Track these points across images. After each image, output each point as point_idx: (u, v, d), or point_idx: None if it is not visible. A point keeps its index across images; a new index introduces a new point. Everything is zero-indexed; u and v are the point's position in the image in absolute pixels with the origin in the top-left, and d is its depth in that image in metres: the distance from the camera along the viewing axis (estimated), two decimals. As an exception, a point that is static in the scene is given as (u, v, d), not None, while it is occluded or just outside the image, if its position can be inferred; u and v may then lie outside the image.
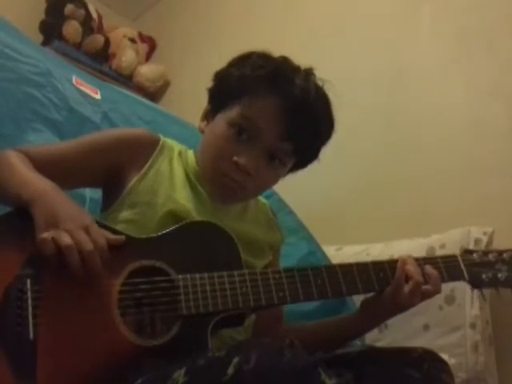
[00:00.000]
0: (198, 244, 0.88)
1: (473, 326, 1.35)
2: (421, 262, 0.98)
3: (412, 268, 0.95)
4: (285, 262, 1.22)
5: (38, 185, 0.84)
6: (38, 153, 0.95)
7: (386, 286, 0.95)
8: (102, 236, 0.79)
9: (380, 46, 2.05)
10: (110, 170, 0.98)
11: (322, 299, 0.95)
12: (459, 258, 1.01)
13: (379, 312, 1.00)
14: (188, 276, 0.83)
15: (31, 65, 1.35)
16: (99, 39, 2.88)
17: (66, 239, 0.75)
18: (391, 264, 0.96)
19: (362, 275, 0.93)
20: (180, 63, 2.99)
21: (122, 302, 0.80)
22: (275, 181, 1.04)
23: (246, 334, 1.00)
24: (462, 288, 1.34)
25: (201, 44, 2.84)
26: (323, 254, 1.61)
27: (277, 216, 1.18)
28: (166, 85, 3.04)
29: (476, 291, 1.06)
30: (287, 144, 0.96)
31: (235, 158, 0.94)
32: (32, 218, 0.79)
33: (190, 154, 1.06)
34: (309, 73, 0.98)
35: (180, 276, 0.83)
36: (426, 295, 0.95)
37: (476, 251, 1.03)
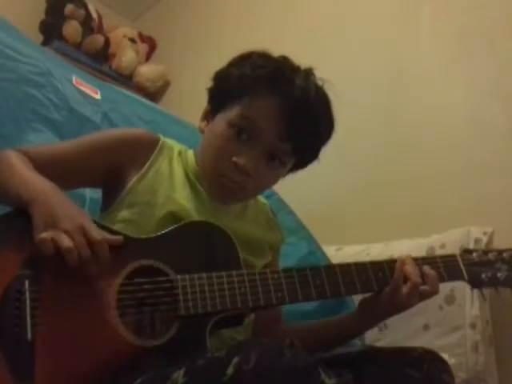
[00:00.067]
0: (197, 244, 0.88)
1: (473, 326, 1.35)
2: (420, 262, 0.97)
3: (410, 269, 0.95)
4: (285, 262, 1.21)
5: (38, 185, 0.84)
6: (37, 153, 0.95)
7: (385, 286, 0.95)
8: (101, 237, 0.79)
9: (380, 46, 2.05)
10: (109, 169, 0.98)
11: (320, 299, 0.95)
12: (458, 258, 1.00)
13: (377, 312, 1.00)
14: (187, 276, 0.83)
15: (31, 65, 1.35)
16: (99, 39, 2.88)
17: (66, 241, 0.75)
18: (390, 264, 0.96)
19: (360, 275, 0.93)
20: (180, 63, 2.99)
21: (121, 302, 0.80)
22: (275, 181, 1.04)
23: (246, 334, 1.00)
24: (461, 288, 1.34)
25: (201, 44, 2.84)
26: (323, 254, 1.61)
27: (277, 216, 1.18)
28: (166, 85, 3.04)
29: (476, 291, 1.05)
30: (287, 144, 0.96)
31: (235, 159, 0.94)
32: (31, 219, 0.79)
33: (190, 153, 1.06)
34: (309, 73, 0.98)
35: (179, 276, 0.83)
36: (424, 296, 0.95)
37: (475, 250, 1.03)
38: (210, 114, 1.02)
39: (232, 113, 0.96)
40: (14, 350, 0.72)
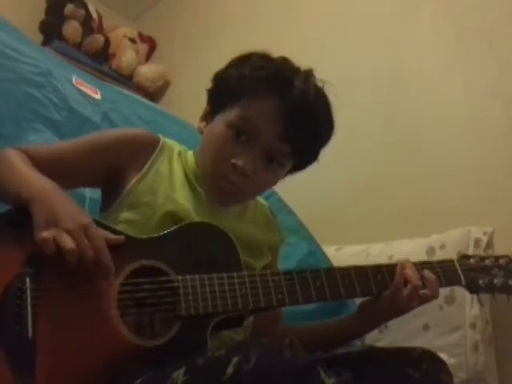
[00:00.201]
0: (198, 245, 0.88)
1: (473, 326, 1.35)
2: (418, 266, 0.98)
3: (410, 272, 0.95)
4: (285, 262, 1.22)
5: (38, 183, 0.84)
6: (37, 152, 0.95)
7: (384, 290, 0.95)
8: (102, 237, 0.79)
9: (380, 46, 2.05)
10: (109, 169, 0.98)
11: (320, 301, 0.95)
12: (456, 263, 1.01)
13: (377, 315, 1.00)
14: (188, 277, 0.83)
15: (31, 65, 1.35)
16: (99, 39, 2.88)
17: (68, 242, 0.75)
18: (389, 268, 0.96)
19: (360, 278, 0.94)
20: (180, 63, 2.99)
21: (122, 301, 0.80)
22: (274, 182, 1.04)
23: (245, 335, 1.00)
24: (461, 288, 1.34)
25: (201, 44, 2.84)
26: (323, 254, 1.61)
27: (276, 217, 1.18)
28: (165, 85, 3.03)
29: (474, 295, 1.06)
30: (286, 145, 0.95)
31: (233, 160, 0.94)
32: (32, 217, 0.79)
33: (190, 154, 1.06)
34: (308, 74, 0.98)
35: (180, 277, 0.83)
36: (424, 299, 0.96)
37: (473, 256, 1.04)
38: (209, 115, 1.02)
39: (231, 114, 0.96)
40: (15, 347, 0.72)
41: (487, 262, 1.02)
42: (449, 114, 1.81)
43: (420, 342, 1.35)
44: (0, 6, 2.35)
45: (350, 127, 1.62)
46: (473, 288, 1.01)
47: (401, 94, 1.96)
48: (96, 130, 1.33)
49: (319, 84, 0.99)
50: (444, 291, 1.33)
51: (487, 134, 1.69)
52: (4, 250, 0.78)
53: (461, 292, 1.36)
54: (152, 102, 2.46)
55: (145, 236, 0.88)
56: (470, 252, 1.34)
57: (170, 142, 1.06)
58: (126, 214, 0.94)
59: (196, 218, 0.94)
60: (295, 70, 0.97)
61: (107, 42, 2.92)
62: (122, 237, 0.83)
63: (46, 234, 0.76)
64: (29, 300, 0.74)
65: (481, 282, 1.00)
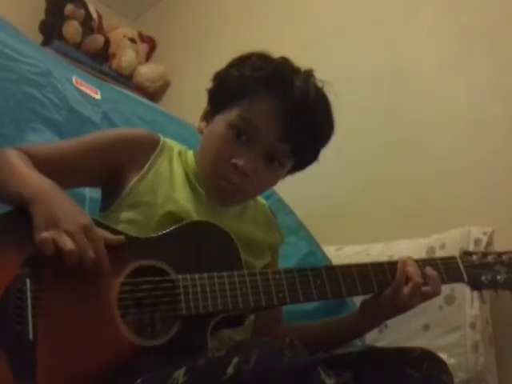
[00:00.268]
0: (198, 244, 0.88)
1: (473, 326, 1.35)
2: (420, 263, 0.98)
3: (412, 269, 0.95)
4: (285, 262, 1.21)
5: (38, 183, 0.84)
6: (37, 151, 0.95)
7: (386, 288, 0.95)
8: (101, 236, 0.79)
9: (380, 46, 2.05)
10: (109, 169, 0.98)
11: (321, 300, 0.95)
12: (458, 260, 1.01)
13: (378, 313, 1.00)
14: (188, 276, 0.83)
15: (31, 65, 1.35)
16: (99, 39, 2.88)
17: (68, 243, 0.75)
18: (391, 265, 0.96)
19: (361, 276, 0.93)
20: (180, 63, 2.99)
21: (122, 301, 0.80)
22: (274, 182, 1.04)
23: (246, 335, 1.00)
24: (461, 288, 1.34)
25: (201, 44, 2.84)
26: (323, 254, 1.61)
27: (276, 216, 1.18)
28: (165, 85, 3.03)
29: (475, 292, 1.06)
30: (286, 145, 0.96)
31: (234, 160, 0.94)
32: (32, 217, 0.79)
33: (190, 154, 1.06)
34: (309, 74, 0.98)
35: (180, 276, 0.83)
36: (426, 297, 0.95)
37: (475, 253, 1.03)
38: (209, 115, 1.02)
39: (231, 114, 0.96)
40: (16, 349, 0.72)
41: (490, 258, 1.01)
42: (449, 114, 1.81)
43: (420, 341, 1.35)
44: (0, 5, 2.35)
45: (350, 127, 1.62)
46: (475, 285, 1.01)
47: (401, 94, 1.96)
48: (96, 130, 1.33)
49: (319, 84, 0.99)
50: (444, 291, 1.32)
51: (487, 134, 1.69)
52: (4, 250, 0.77)
53: (461, 292, 1.36)
54: (152, 102, 2.47)
55: (145, 236, 0.88)
56: (470, 252, 1.34)
57: (170, 141, 1.06)
58: (126, 214, 0.94)
59: (196, 218, 0.94)
60: (295, 70, 0.97)
61: (107, 42, 2.92)
62: (122, 237, 0.83)
63: (45, 234, 0.75)
64: (29, 301, 0.74)
65: (483, 278, 1.00)
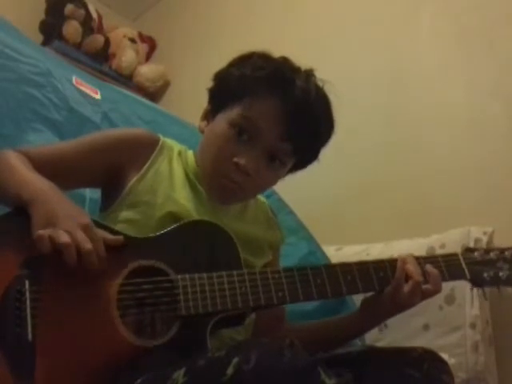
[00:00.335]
0: (198, 244, 0.88)
1: (473, 325, 1.35)
2: (421, 260, 0.97)
3: (412, 267, 0.94)
4: (285, 262, 1.21)
5: (37, 185, 0.84)
6: (37, 153, 0.95)
7: (386, 286, 0.95)
8: (100, 236, 0.79)
9: (380, 46, 2.05)
10: (109, 169, 0.98)
11: (321, 299, 0.95)
12: (460, 257, 1.00)
13: (379, 311, 1.00)
14: (187, 276, 0.83)
15: (31, 65, 1.35)
16: (99, 39, 2.88)
17: (63, 238, 0.75)
18: (391, 263, 0.96)
19: (362, 275, 0.93)
20: (180, 63, 2.99)
21: (122, 302, 0.80)
22: (275, 181, 1.04)
23: (246, 334, 1.00)
24: (462, 288, 1.34)
25: (201, 44, 2.84)
26: (323, 254, 1.61)
27: (277, 215, 1.18)
28: (165, 85, 3.04)
29: (476, 290, 1.05)
30: (287, 144, 0.96)
31: (235, 159, 0.94)
32: (31, 219, 0.79)
33: (190, 154, 1.06)
34: (309, 74, 0.98)
35: (179, 276, 0.83)
36: (427, 294, 0.95)
37: (477, 249, 1.02)
38: (210, 114, 1.02)
39: (232, 113, 0.96)
40: (15, 350, 0.72)
41: (492, 254, 1.01)
42: (449, 114, 1.81)
43: (420, 341, 1.35)
44: (0, 5, 2.35)
45: (350, 127, 1.62)
46: (477, 281, 1.00)
47: (401, 94, 1.96)
48: (96, 130, 1.33)
49: (320, 84, 0.99)
50: (444, 291, 1.32)
51: (487, 134, 1.69)
52: (3, 251, 0.77)
53: (461, 292, 1.36)
54: (152, 102, 2.47)
55: (144, 235, 0.88)
56: (471, 252, 1.34)
57: (169, 141, 1.06)
58: (125, 214, 0.94)
59: (196, 217, 0.94)
60: (296, 70, 0.97)
61: (107, 42, 2.92)
62: (120, 237, 0.83)
63: (41, 231, 0.75)
64: (28, 302, 0.74)
65: (485, 275, 0.99)
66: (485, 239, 1.42)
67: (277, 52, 0.99)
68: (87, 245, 0.76)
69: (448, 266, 0.98)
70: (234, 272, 0.86)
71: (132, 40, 3.02)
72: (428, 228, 1.58)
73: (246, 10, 2.71)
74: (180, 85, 2.97)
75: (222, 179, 0.96)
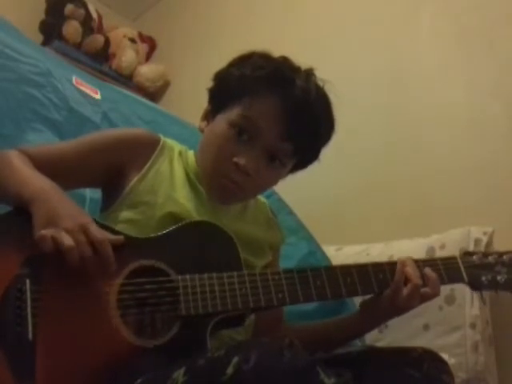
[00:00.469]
0: (198, 244, 0.88)
1: (473, 326, 1.35)
2: (420, 264, 0.97)
3: (411, 270, 0.94)
4: (285, 262, 1.21)
5: (38, 184, 0.84)
6: (37, 152, 0.95)
7: (386, 288, 0.95)
8: (105, 237, 0.79)
9: (380, 46, 2.05)
10: (109, 169, 0.98)
11: (321, 300, 0.95)
12: (459, 260, 1.00)
13: (378, 314, 1.00)
14: (187, 277, 0.83)
15: (31, 65, 1.35)
16: (99, 39, 2.88)
17: (67, 240, 0.75)
18: (390, 266, 0.96)
19: (361, 277, 0.93)
20: (180, 63, 2.99)
21: (122, 302, 0.80)
22: (275, 181, 1.04)
23: (246, 335, 1.00)
24: (462, 288, 1.34)
25: (201, 44, 2.84)
26: (323, 254, 1.61)
27: (277, 216, 1.18)
28: (165, 85, 3.04)
29: (476, 293, 1.05)
30: (287, 144, 0.96)
31: (235, 159, 0.94)
32: (32, 218, 0.79)
33: (191, 154, 1.06)
34: (309, 73, 0.98)
35: (180, 277, 0.83)
36: (425, 298, 0.95)
37: (476, 253, 1.03)
38: (210, 114, 1.02)
39: (232, 113, 0.96)
40: (15, 349, 0.72)
41: (490, 258, 1.01)
42: (449, 114, 1.81)
43: (420, 341, 1.35)
44: (0, 5, 2.35)
45: (350, 127, 1.62)
46: (475, 285, 1.00)
47: (401, 94, 1.96)
48: (96, 130, 1.33)
49: (320, 83, 0.99)
50: (444, 291, 1.33)
51: (487, 134, 1.69)
52: (4, 250, 0.78)
53: (461, 292, 1.36)
54: (152, 102, 2.47)
55: (145, 236, 0.88)
56: (471, 252, 1.34)
57: (170, 141, 1.06)
58: (126, 214, 0.94)
59: (197, 218, 0.94)
60: (296, 70, 0.97)
61: (107, 42, 2.92)
62: (121, 237, 0.83)
63: (44, 232, 0.76)
64: (29, 301, 0.74)
65: (484, 278, 0.99)
66: (485, 239, 1.42)
67: (277, 52, 0.99)
68: (88, 251, 0.76)
69: (447, 269, 0.98)
70: (235, 273, 0.86)
71: (132, 40, 3.02)
72: (428, 228, 1.58)
73: (246, 10, 2.71)
74: (180, 85, 2.97)
75: (221, 179, 0.96)
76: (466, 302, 1.36)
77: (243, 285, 0.85)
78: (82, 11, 2.78)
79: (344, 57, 2.13)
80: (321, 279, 0.90)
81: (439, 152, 1.79)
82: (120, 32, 3.01)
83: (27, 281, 0.75)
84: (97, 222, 0.82)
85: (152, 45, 3.17)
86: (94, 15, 2.90)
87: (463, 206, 1.66)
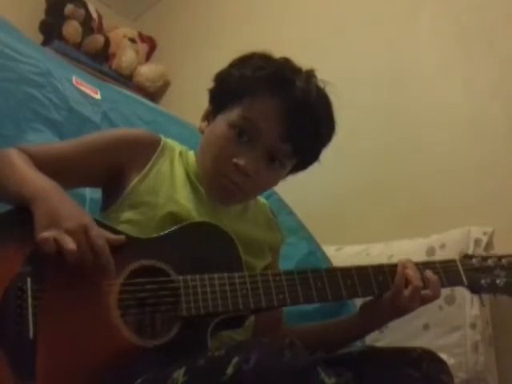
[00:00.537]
0: (199, 245, 0.88)
1: (473, 325, 1.35)
2: (420, 266, 0.97)
3: (412, 272, 0.95)
4: (285, 262, 1.21)
5: (39, 183, 0.84)
6: (38, 152, 0.95)
7: (386, 290, 0.95)
8: (103, 236, 0.79)
9: (380, 46, 2.05)
10: (110, 170, 0.98)
11: (321, 302, 0.95)
12: (458, 263, 1.01)
13: (378, 315, 1.00)
14: (188, 277, 0.83)
15: (31, 65, 1.35)
16: (99, 39, 2.88)
17: (69, 243, 0.75)
18: (391, 268, 0.96)
19: (361, 279, 0.93)
20: (180, 63, 2.99)
21: (123, 302, 0.80)
22: (275, 182, 1.04)
23: (246, 335, 1.00)
24: (462, 288, 1.34)
25: (201, 44, 2.84)
26: (323, 254, 1.61)
27: (277, 216, 1.18)
28: (165, 85, 3.04)
29: (475, 296, 1.06)
30: (287, 145, 0.96)
31: (235, 160, 0.94)
32: (33, 216, 0.79)
33: (191, 154, 1.06)
34: (310, 74, 0.98)
35: (180, 277, 0.83)
36: (426, 300, 0.95)
37: (475, 256, 1.03)
38: (210, 115, 1.02)
39: (233, 114, 0.96)
40: (16, 348, 0.72)
41: (490, 261, 1.01)
42: (449, 114, 1.81)
43: (420, 342, 1.35)
44: (0, 5, 2.35)
45: (351, 127, 1.61)
46: (475, 288, 1.01)
47: (401, 94, 1.96)
48: (96, 130, 1.33)
49: (320, 84, 0.99)
50: (444, 291, 1.32)
51: (487, 134, 1.69)
52: (5, 249, 0.78)
53: (461, 292, 1.36)
54: (152, 102, 2.46)
55: (146, 236, 0.88)
56: (470, 252, 1.34)
57: (171, 142, 1.06)
58: (127, 214, 0.94)
59: (197, 219, 0.94)
60: (297, 70, 0.97)
61: (107, 42, 2.92)
62: (122, 237, 0.83)
63: (46, 233, 0.76)
64: (29, 300, 0.74)
65: (483, 282, 0.99)
66: (485, 239, 1.42)
67: (277, 52, 0.99)
68: (90, 254, 0.76)
69: (446, 272, 0.99)
70: (236, 274, 0.86)
71: (132, 40, 3.02)
72: (428, 228, 1.58)
73: (246, 10, 2.71)
74: (180, 85, 2.97)
75: (221, 180, 0.96)
76: (466, 302, 1.36)
77: (244, 285, 0.85)
78: (81, 11, 2.79)
79: (344, 57, 2.13)
80: (321, 281, 0.90)
81: (439, 152, 1.79)
82: (120, 32, 3.01)
83: (28, 279, 0.75)
84: (98, 222, 0.82)
85: (152, 45, 3.17)
86: (94, 15, 2.90)
87: (463, 205, 1.66)
